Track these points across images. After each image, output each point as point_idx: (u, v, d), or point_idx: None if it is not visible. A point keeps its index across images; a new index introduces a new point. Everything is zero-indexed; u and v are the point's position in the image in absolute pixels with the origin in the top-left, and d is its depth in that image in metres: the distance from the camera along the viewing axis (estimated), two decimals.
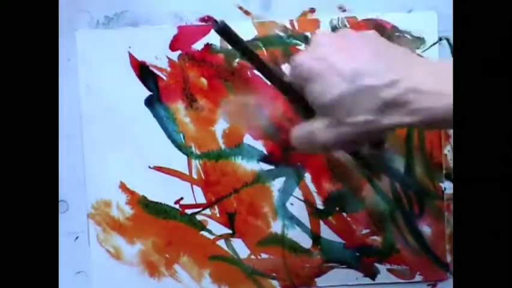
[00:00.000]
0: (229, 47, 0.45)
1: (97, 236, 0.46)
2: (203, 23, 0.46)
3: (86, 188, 0.46)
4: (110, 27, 0.46)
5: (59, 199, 0.46)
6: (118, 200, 0.46)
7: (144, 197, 0.46)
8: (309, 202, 0.46)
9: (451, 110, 0.30)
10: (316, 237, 0.46)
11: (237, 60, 0.46)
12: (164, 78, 0.46)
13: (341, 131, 0.33)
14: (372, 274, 0.46)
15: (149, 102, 0.46)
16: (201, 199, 0.46)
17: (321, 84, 0.32)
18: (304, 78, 0.33)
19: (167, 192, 0.46)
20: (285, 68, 0.35)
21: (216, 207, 0.46)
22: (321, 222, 0.46)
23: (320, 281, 0.46)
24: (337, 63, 0.32)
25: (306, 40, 0.46)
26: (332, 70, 0.32)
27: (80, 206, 0.46)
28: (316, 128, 0.33)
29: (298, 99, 0.35)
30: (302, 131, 0.34)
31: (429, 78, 0.31)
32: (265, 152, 0.46)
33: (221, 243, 0.46)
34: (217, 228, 0.46)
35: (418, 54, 0.44)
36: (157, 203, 0.46)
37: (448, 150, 0.46)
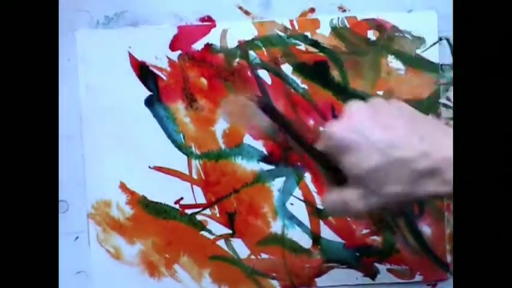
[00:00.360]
0: (229, 46, 0.46)
1: (97, 236, 0.46)
2: (203, 23, 0.46)
3: (86, 188, 0.46)
4: (110, 27, 0.46)
5: (59, 199, 0.46)
6: (118, 200, 0.46)
7: (144, 197, 0.46)
8: (309, 202, 0.46)
9: None
10: (316, 237, 0.46)
11: (237, 60, 0.46)
12: (164, 78, 0.46)
13: (374, 200, 0.33)
14: (372, 274, 0.46)
15: (149, 102, 0.46)
16: (201, 199, 0.46)
17: (356, 155, 0.32)
18: (339, 148, 0.33)
19: (167, 192, 0.46)
20: (321, 134, 0.35)
21: (216, 207, 0.46)
22: (321, 222, 0.46)
23: (320, 281, 0.46)
24: (371, 136, 0.32)
25: (305, 40, 0.46)
26: (367, 142, 0.32)
27: (80, 206, 0.46)
28: (349, 198, 0.34)
29: (330, 167, 0.35)
30: (334, 199, 0.35)
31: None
32: (265, 152, 0.46)
33: (221, 243, 0.46)
34: (217, 228, 0.46)
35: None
36: (157, 203, 0.46)
37: None
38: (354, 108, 0.34)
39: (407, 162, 0.32)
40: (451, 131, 0.33)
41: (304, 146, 0.36)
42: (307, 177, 0.46)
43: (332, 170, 0.35)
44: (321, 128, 0.33)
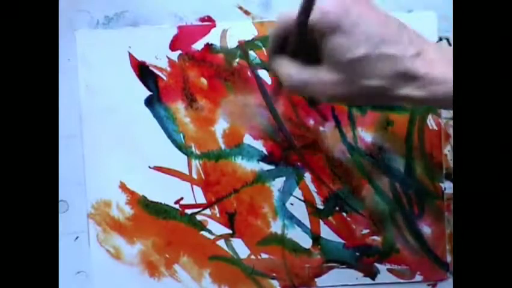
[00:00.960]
0: (229, 46, 0.46)
1: (97, 236, 0.46)
2: (203, 23, 0.46)
3: (86, 188, 0.46)
4: (110, 27, 0.46)
5: (59, 199, 0.46)
6: (118, 200, 0.46)
7: (144, 197, 0.46)
8: (309, 202, 0.46)
9: (451, 95, 0.31)
10: (316, 237, 0.46)
11: (237, 60, 0.46)
12: (164, 78, 0.46)
13: (351, 89, 0.33)
14: (372, 274, 0.46)
15: (149, 102, 0.46)
16: (201, 199, 0.46)
17: (346, 40, 0.32)
18: (330, 28, 0.32)
19: (167, 192, 0.46)
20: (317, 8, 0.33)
21: (216, 207, 0.46)
22: (321, 222, 0.46)
23: (320, 281, 0.46)
24: (367, 24, 0.32)
25: None
26: (361, 30, 0.32)
27: (80, 206, 0.46)
28: (324, 79, 0.34)
29: (308, 43, 0.34)
30: (304, 75, 0.34)
31: (441, 60, 0.32)
32: (265, 152, 0.46)
33: (221, 243, 0.46)
34: (217, 228, 0.46)
35: None
36: (157, 203, 0.46)
37: (448, 150, 0.46)
38: None
39: (394, 60, 0.32)
40: (434, 44, 0.33)
41: (300, 14, 0.33)
42: (307, 177, 0.46)
43: (309, 48, 0.34)
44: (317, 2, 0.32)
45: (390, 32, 0.32)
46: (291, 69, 0.35)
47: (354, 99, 0.34)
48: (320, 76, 0.34)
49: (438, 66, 0.32)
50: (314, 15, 0.33)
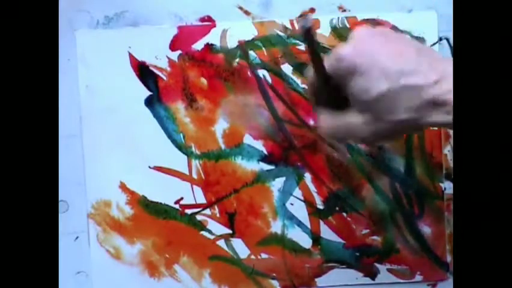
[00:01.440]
0: (229, 46, 0.46)
1: (97, 236, 0.46)
2: (203, 23, 0.46)
3: (86, 188, 0.46)
4: (110, 27, 0.46)
5: (59, 199, 0.46)
6: (118, 200, 0.46)
7: (144, 197, 0.46)
8: (309, 202, 0.46)
9: None
10: (316, 237, 0.46)
11: (237, 60, 0.46)
12: (164, 78, 0.46)
13: (380, 127, 0.33)
14: (372, 274, 0.46)
15: (149, 102, 0.46)
16: (201, 199, 0.46)
17: (365, 80, 0.32)
18: (348, 72, 0.33)
19: (167, 192, 0.46)
20: (326, 59, 0.34)
21: (216, 207, 0.46)
22: (321, 222, 0.46)
23: (320, 281, 0.46)
24: (382, 60, 0.32)
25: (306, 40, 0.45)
26: (377, 67, 0.32)
27: (80, 206, 0.46)
28: (354, 122, 0.34)
29: (332, 90, 0.34)
30: (336, 122, 0.34)
31: None
32: (265, 152, 0.46)
33: (221, 243, 0.46)
34: (217, 228, 0.46)
35: None
36: (157, 203, 0.46)
37: (448, 150, 0.46)
38: (363, 33, 0.34)
39: (416, 90, 0.31)
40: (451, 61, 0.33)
41: (317, 63, 0.34)
42: (307, 177, 0.46)
43: (333, 94, 0.34)
44: (331, 50, 0.32)
45: (408, 62, 0.32)
46: (326, 119, 0.35)
47: (385, 136, 0.34)
48: (348, 120, 0.34)
49: None
50: (330, 63, 0.33)
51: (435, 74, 0.31)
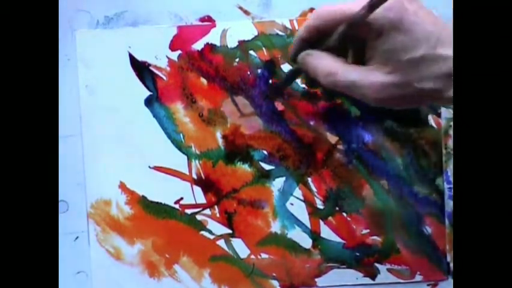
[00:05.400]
0: (229, 46, 0.46)
1: (96, 236, 0.46)
2: (203, 23, 0.46)
3: (86, 188, 0.46)
4: (110, 27, 0.46)
5: (59, 199, 0.46)
6: (118, 200, 0.46)
7: (144, 197, 0.46)
8: (309, 202, 0.46)
9: None
10: (316, 237, 0.46)
11: (237, 60, 0.46)
12: (164, 78, 0.46)
13: (403, 90, 0.32)
14: (372, 274, 0.46)
15: (149, 102, 0.46)
16: (201, 199, 0.46)
17: (406, 37, 0.31)
18: (391, 25, 0.31)
19: (167, 192, 0.46)
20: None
21: (216, 207, 0.46)
22: (321, 222, 0.46)
23: (320, 281, 0.46)
24: (424, 23, 0.31)
25: None
26: (420, 27, 0.31)
27: (80, 206, 0.46)
28: (376, 80, 0.32)
29: (356, 40, 0.33)
30: (353, 76, 0.33)
31: None
32: (265, 152, 0.46)
33: (221, 243, 0.46)
34: (217, 228, 0.46)
35: None
36: (157, 203, 0.46)
37: (448, 151, 0.46)
38: None
39: (448, 61, 0.31)
40: None
41: (368, 8, 0.32)
42: (307, 177, 0.46)
43: (355, 45, 0.33)
44: None
45: (445, 32, 0.31)
46: (335, 67, 0.33)
47: (403, 101, 0.33)
48: (371, 78, 0.32)
49: None
50: (375, 12, 0.31)
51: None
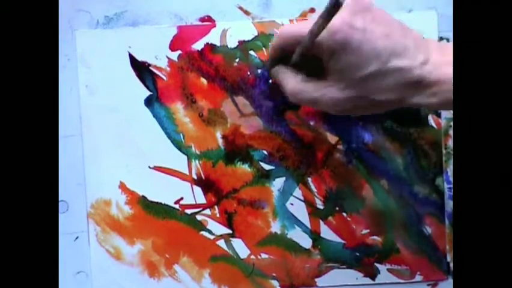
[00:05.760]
0: (229, 46, 0.46)
1: (96, 236, 0.46)
2: (203, 23, 0.46)
3: (86, 188, 0.46)
4: (110, 27, 0.46)
5: (59, 199, 0.46)
6: (118, 200, 0.46)
7: (144, 197, 0.46)
8: (309, 202, 0.46)
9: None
10: (316, 237, 0.46)
11: (237, 60, 0.46)
12: (164, 78, 0.46)
13: (360, 103, 0.33)
14: (372, 274, 0.46)
15: (149, 102, 0.46)
16: (201, 199, 0.46)
17: (356, 57, 0.32)
18: (339, 46, 0.32)
19: (167, 192, 0.46)
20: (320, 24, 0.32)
21: (216, 207, 0.46)
22: (321, 222, 0.46)
23: (320, 281, 0.46)
24: (374, 39, 0.31)
25: None
26: (369, 45, 0.31)
27: (80, 206, 0.46)
28: (332, 95, 0.33)
29: (314, 57, 0.33)
30: (314, 94, 0.34)
31: (446, 61, 0.31)
32: (265, 152, 0.46)
33: (221, 243, 0.46)
34: (217, 228, 0.46)
35: None
36: (157, 203, 0.46)
37: (448, 151, 0.46)
38: (354, 8, 0.32)
39: (404, 72, 0.31)
40: (436, 43, 0.33)
41: (319, 22, 0.32)
42: (307, 177, 0.46)
43: (314, 62, 0.34)
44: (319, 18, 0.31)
45: (397, 42, 0.31)
46: (297, 84, 0.35)
47: (364, 111, 0.34)
48: (328, 95, 0.33)
49: (445, 68, 0.31)
50: (322, 35, 0.32)
51: (422, 54, 0.31)
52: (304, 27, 0.33)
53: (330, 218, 0.46)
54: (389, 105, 0.33)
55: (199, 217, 0.46)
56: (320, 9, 0.46)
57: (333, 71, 0.33)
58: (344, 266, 0.46)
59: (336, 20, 0.32)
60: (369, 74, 0.32)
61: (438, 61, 0.32)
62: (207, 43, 0.46)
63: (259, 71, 0.46)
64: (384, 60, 0.31)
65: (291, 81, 0.35)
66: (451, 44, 0.35)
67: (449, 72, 0.31)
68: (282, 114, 0.46)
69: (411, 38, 0.32)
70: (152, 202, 0.46)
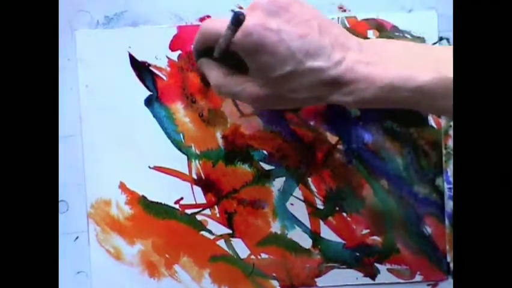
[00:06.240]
0: None
1: (96, 236, 0.46)
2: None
3: (86, 188, 0.46)
4: (110, 27, 0.46)
5: (59, 199, 0.46)
6: (118, 200, 0.46)
7: (144, 197, 0.46)
8: (309, 202, 0.46)
9: (381, 94, 0.31)
10: (316, 237, 0.46)
11: None
12: (164, 78, 0.46)
13: (279, 100, 0.34)
14: (372, 274, 0.46)
15: (149, 102, 0.46)
16: (201, 199, 0.46)
17: (271, 58, 0.32)
18: (254, 48, 0.32)
19: (167, 192, 0.46)
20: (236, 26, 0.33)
21: (216, 207, 0.46)
22: (321, 222, 0.46)
23: (320, 281, 0.46)
24: (288, 40, 0.32)
25: None
26: (284, 46, 0.32)
27: (80, 206, 0.46)
28: (251, 90, 0.34)
29: (233, 54, 0.34)
30: (231, 84, 0.35)
31: (362, 60, 0.32)
32: (265, 152, 0.46)
33: (221, 243, 0.46)
34: (217, 228, 0.46)
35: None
36: (157, 203, 0.46)
37: (448, 151, 0.46)
38: (268, 6, 0.32)
39: (319, 72, 0.32)
40: (355, 41, 0.33)
41: (227, 32, 0.33)
42: (307, 177, 0.46)
43: (234, 59, 0.35)
44: (235, 13, 0.32)
45: (313, 42, 0.32)
46: (219, 81, 0.36)
47: (284, 107, 0.36)
48: (248, 90, 0.34)
49: (360, 67, 0.32)
50: (236, 35, 0.33)
51: (339, 54, 0.32)
52: (221, 25, 0.34)
53: (330, 218, 0.46)
54: (308, 102, 0.34)
55: (199, 217, 0.46)
56: (320, 8, 0.46)
57: (251, 70, 0.34)
58: (344, 266, 0.46)
59: (250, 21, 0.32)
60: (284, 74, 0.32)
61: (354, 59, 0.32)
62: None
63: None
64: (298, 61, 0.32)
65: (214, 75, 0.36)
66: (371, 40, 0.35)
67: (362, 71, 0.32)
68: (282, 114, 0.46)
69: (329, 37, 0.32)
70: (152, 202, 0.46)
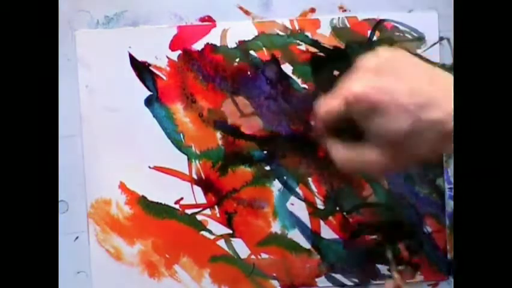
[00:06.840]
0: (229, 46, 0.46)
1: (96, 236, 0.46)
2: (203, 23, 0.46)
3: (86, 188, 0.46)
4: (110, 27, 0.46)
5: (59, 199, 0.46)
6: (118, 200, 0.46)
7: (144, 197, 0.46)
8: (309, 202, 0.46)
9: None
10: (316, 237, 0.46)
11: (237, 60, 0.46)
12: (164, 78, 0.46)
13: (400, 162, 0.33)
14: (372, 274, 0.46)
15: (149, 102, 0.46)
16: (201, 199, 0.46)
17: (385, 119, 0.31)
18: (367, 112, 0.32)
19: (167, 192, 0.46)
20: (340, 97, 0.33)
21: (216, 207, 0.46)
22: (321, 222, 0.46)
23: (320, 281, 0.46)
24: (400, 97, 0.31)
25: (306, 40, 0.45)
26: (395, 104, 0.31)
27: (80, 206, 0.46)
28: (371, 158, 0.33)
29: (345, 122, 0.34)
30: (352, 156, 0.34)
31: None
32: (265, 152, 0.46)
33: (221, 243, 0.46)
34: (217, 228, 0.46)
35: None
36: (157, 203, 0.46)
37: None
38: (372, 65, 0.32)
39: (437, 124, 0.30)
40: (450, 81, 0.32)
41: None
42: (308, 177, 0.46)
43: (346, 126, 0.34)
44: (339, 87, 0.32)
45: (425, 95, 0.31)
46: (343, 154, 0.35)
47: (403, 169, 0.35)
48: (365, 155, 0.33)
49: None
50: (348, 103, 0.32)
51: (450, 103, 0.30)
52: (337, 101, 0.33)
53: (330, 218, 0.46)
54: (428, 158, 0.32)
55: (199, 217, 0.46)
56: (320, 9, 0.46)
57: (367, 134, 0.33)
58: (344, 266, 0.46)
59: (360, 87, 0.32)
60: (402, 132, 0.31)
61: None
62: (207, 43, 0.46)
63: (259, 71, 0.46)
64: (414, 116, 0.30)
65: (335, 151, 0.35)
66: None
67: None
68: (282, 114, 0.46)
69: (439, 86, 0.31)
70: (152, 202, 0.46)
